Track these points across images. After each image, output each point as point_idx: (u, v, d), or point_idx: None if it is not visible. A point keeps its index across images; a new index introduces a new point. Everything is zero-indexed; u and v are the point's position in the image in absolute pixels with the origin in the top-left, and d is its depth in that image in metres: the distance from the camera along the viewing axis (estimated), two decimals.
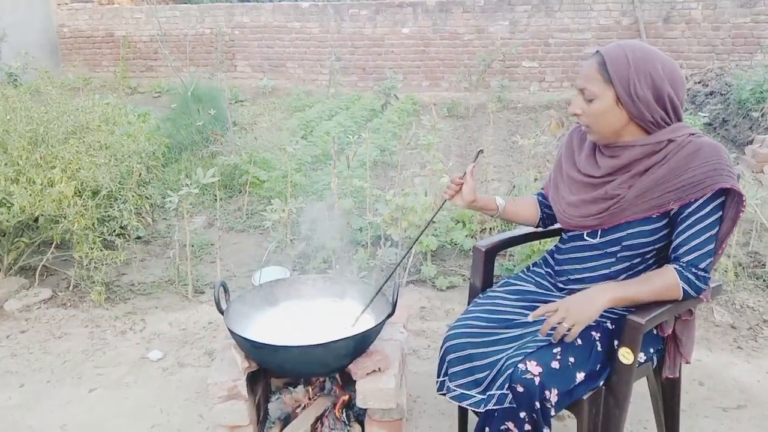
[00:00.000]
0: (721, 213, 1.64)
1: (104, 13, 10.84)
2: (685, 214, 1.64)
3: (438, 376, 1.90)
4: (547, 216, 2.07)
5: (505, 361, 1.71)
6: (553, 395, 1.62)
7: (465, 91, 9.03)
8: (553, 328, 1.65)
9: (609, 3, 8.97)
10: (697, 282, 1.64)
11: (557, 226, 2.04)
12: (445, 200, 2.02)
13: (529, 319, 1.72)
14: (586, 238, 1.81)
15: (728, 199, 1.63)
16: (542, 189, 2.09)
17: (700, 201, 1.62)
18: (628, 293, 1.64)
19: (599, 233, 1.77)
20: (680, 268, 1.64)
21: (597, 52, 1.70)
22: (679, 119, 1.70)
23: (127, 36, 10.60)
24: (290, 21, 10.05)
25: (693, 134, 1.67)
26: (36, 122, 3.59)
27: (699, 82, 7.87)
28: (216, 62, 9.74)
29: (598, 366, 1.70)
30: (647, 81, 1.64)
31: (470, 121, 7.98)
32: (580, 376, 1.67)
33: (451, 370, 1.83)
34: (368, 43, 9.81)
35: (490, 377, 1.73)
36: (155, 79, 10.40)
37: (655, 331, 1.80)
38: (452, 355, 1.83)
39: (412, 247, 2.12)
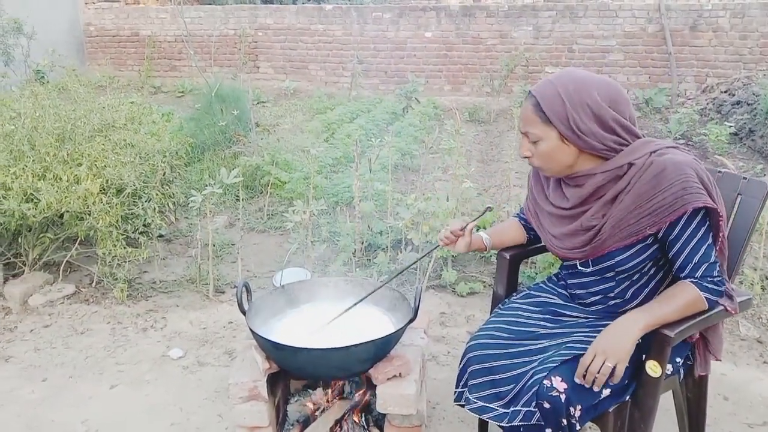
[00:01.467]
0: (707, 223, 1.63)
1: (130, 12, 10.97)
2: (673, 237, 1.63)
3: (456, 387, 1.87)
4: (535, 236, 2.06)
5: (530, 376, 1.68)
6: (577, 411, 1.60)
7: (487, 96, 8.99)
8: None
9: (635, 10, 8.88)
10: (717, 288, 1.63)
11: None
12: (437, 246, 2.03)
13: (577, 381, 1.61)
14: (579, 267, 1.82)
15: (707, 212, 1.62)
16: (521, 213, 2.08)
17: (682, 222, 1.60)
18: (658, 317, 1.61)
19: (590, 263, 1.78)
20: (697, 281, 1.63)
21: (530, 93, 1.68)
22: (636, 136, 1.67)
23: (152, 36, 10.72)
24: (313, 23, 10.09)
25: (654, 152, 1.63)
26: (64, 120, 3.64)
27: (725, 92, 7.76)
28: (239, 63, 9.81)
29: (626, 381, 1.68)
30: (587, 112, 1.61)
31: (492, 126, 7.94)
32: (606, 392, 1.64)
33: (471, 382, 1.81)
34: (391, 47, 9.81)
35: (515, 392, 1.70)
36: (179, 78, 10.50)
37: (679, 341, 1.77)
38: (474, 367, 1.81)
39: (399, 273, 2.16)
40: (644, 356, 1.68)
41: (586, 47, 9.08)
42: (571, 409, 1.59)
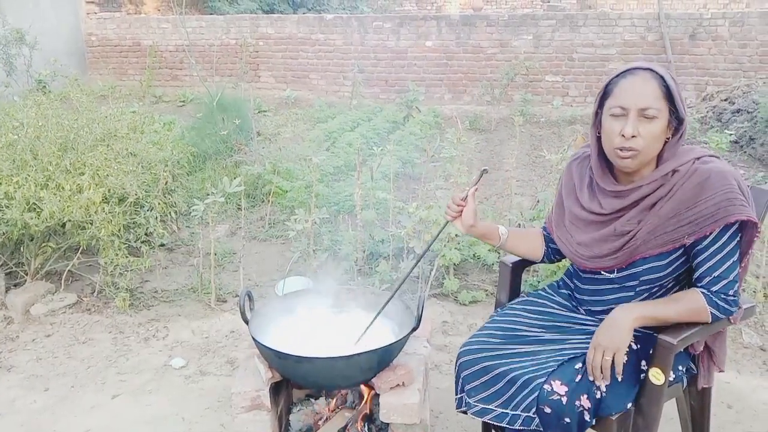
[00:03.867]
0: (738, 238, 1.61)
1: (132, 22, 11.01)
2: (702, 246, 1.61)
3: (456, 393, 1.87)
4: (553, 251, 1.99)
5: (528, 381, 1.68)
6: (584, 401, 1.60)
7: (487, 104, 9.00)
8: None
9: (634, 19, 8.91)
10: (726, 306, 1.62)
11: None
12: (447, 222, 1.96)
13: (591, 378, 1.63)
14: (603, 273, 1.78)
15: (742, 226, 1.60)
16: (545, 223, 2.02)
17: (715, 233, 1.58)
18: (655, 313, 1.62)
19: (616, 269, 1.74)
20: (709, 294, 1.62)
21: (640, 70, 1.60)
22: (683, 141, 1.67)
23: (153, 45, 10.75)
24: (314, 33, 10.13)
25: (698, 158, 1.62)
26: (66, 129, 3.65)
27: (725, 100, 7.77)
28: (240, 72, 9.84)
29: (620, 378, 1.67)
30: (684, 102, 1.60)
31: (492, 135, 7.96)
32: (602, 386, 1.64)
33: (467, 386, 1.81)
34: (391, 56, 9.84)
35: (510, 393, 1.70)
36: (180, 88, 10.53)
37: (682, 350, 1.77)
38: (466, 371, 1.81)
39: (415, 265, 2.13)
40: (644, 363, 1.69)
41: (586, 56, 9.10)
42: (577, 402, 1.59)
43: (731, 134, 6.11)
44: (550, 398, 1.60)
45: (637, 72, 1.60)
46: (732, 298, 1.62)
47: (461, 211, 1.90)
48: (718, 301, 1.61)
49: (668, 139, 1.63)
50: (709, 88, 8.56)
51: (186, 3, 10.30)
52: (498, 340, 1.82)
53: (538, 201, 4.06)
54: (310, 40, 10.17)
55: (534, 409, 1.62)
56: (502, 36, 9.37)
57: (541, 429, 1.62)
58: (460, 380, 1.83)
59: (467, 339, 1.89)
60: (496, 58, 9.42)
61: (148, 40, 10.86)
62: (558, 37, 9.16)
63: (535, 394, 1.63)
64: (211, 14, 12.13)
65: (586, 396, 1.61)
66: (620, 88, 1.61)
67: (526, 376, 1.68)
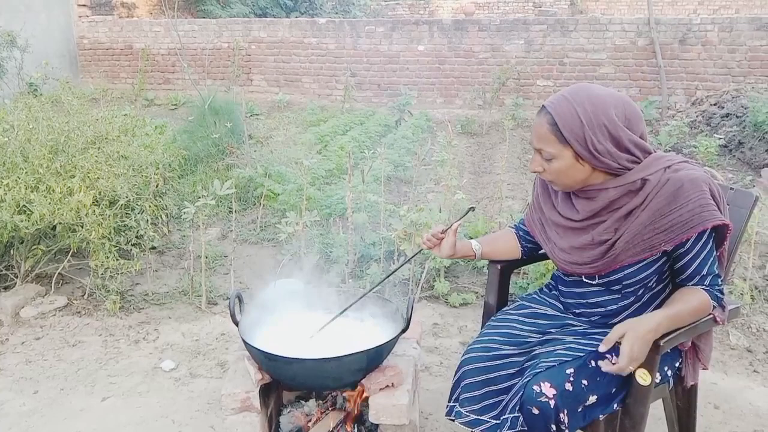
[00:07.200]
0: (714, 236, 1.67)
1: (124, 25, 11.00)
2: (684, 250, 1.65)
3: (449, 401, 1.86)
4: (531, 248, 2.04)
5: (519, 384, 1.70)
6: (565, 417, 1.61)
7: (479, 108, 9.04)
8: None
9: (624, 24, 8.98)
10: (720, 296, 1.68)
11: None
12: (421, 249, 2.04)
13: (601, 349, 1.61)
14: (585, 280, 1.81)
15: (715, 227, 1.65)
16: (521, 224, 2.04)
17: (693, 238, 1.62)
18: (675, 321, 1.61)
19: (596, 275, 1.77)
20: (707, 289, 1.66)
21: (544, 108, 1.64)
22: (648, 152, 1.67)
23: (145, 48, 10.73)
24: (307, 37, 10.15)
25: (668, 167, 1.64)
26: (57, 132, 3.64)
27: (715, 104, 7.84)
28: (232, 76, 9.84)
29: (613, 389, 1.69)
30: (603, 134, 1.59)
31: (484, 139, 7.99)
32: (592, 399, 1.66)
33: (464, 395, 1.80)
34: (383, 60, 9.87)
35: (504, 402, 1.72)
36: (172, 91, 10.51)
37: (669, 350, 1.79)
38: (468, 380, 1.80)
39: (384, 280, 2.18)
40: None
41: (577, 60, 9.16)
42: (561, 415, 1.60)
43: (720, 138, 6.17)
44: (539, 399, 1.60)
45: (540, 112, 1.65)
46: (720, 287, 1.68)
47: (439, 242, 1.97)
48: (716, 293, 1.67)
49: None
50: (698, 93, 8.64)
51: (178, 6, 10.30)
52: (500, 347, 1.82)
53: (528, 204, 4.08)
54: (302, 44, 10.19)
55: (518, 408, 1.64)
56: (494, 41, 9.41)
57: (526, 428, 1.63)
58: (459, 388, 1.82)
59: (469, 346, 1.89)
60: (488, 63, 9.47)
61: (140, 43, 10.85)
62: (549, 42, 9.21)
63: (521, 393, 1.64)
64: (203, 18, 12.14)
65: (566, 410, 1.61)
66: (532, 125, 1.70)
67: (521, 383, 1.70)
